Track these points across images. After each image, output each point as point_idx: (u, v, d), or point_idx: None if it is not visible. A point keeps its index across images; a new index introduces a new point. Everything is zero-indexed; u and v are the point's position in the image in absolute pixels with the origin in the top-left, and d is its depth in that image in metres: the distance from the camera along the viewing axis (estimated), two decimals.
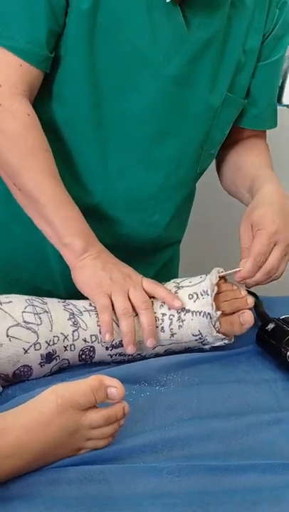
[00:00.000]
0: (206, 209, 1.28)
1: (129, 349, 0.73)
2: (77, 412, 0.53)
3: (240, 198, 0.93)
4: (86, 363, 0.75)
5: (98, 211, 0.88)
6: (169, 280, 0.81)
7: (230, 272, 0.79)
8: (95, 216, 0.84)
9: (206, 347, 0.78)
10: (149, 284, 0.75)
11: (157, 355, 0.77)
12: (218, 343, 0.78)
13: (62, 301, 0.76)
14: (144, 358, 0.77)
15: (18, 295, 0.74)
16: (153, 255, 0.98)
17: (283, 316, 0.82)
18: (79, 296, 0.77)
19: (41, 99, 0.81)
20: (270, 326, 0.79)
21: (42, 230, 0.79)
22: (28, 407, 0.54)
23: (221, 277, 0.79)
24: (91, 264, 0.75)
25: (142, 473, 0.51)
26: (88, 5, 0.74)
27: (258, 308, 0.86)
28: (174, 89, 0.81)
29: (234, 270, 0.78)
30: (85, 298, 0.76)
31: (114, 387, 0.55)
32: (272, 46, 0.87)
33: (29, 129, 0.77)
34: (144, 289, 0.75)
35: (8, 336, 0.70)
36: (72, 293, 0.79)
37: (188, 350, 0.78)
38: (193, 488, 0.50)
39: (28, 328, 0.71)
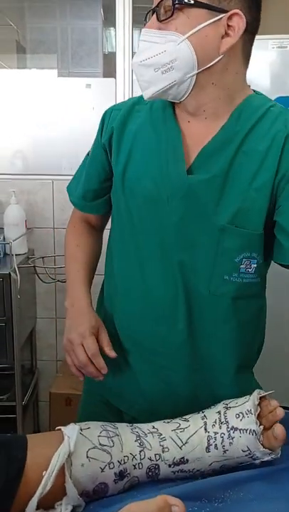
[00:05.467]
0: None
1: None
2: None
3: None
4: (153, 479, 0.88)
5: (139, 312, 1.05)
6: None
7: (268, 393, 0.92)
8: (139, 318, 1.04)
9: (257, 462, 0.90)
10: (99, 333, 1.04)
11: (214, 470, 0.89)
12: (266, 458, 0.89)
13: (130, 425, 0.91)
14: (203, 473, 0.89)
15: (94, 422, 0.90)
16: None
17: None
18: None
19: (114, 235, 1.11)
20: None
21: None
22: None
23: (262, 398, 0.92)
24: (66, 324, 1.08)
25: None
26: (121, 167, 1.03)
27: None
28: (177, 220, 0.95)
29: (270, 392, 0.91)
30: None
31: (176, 506, 0.67)
32: None
33: (76, 238, 1.19)
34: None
35: (88, 457, 0.84)
36: None
37: (241, 465, 0.89)
38: None
39: (103, 450, 0.86)
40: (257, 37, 0.93)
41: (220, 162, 0.92)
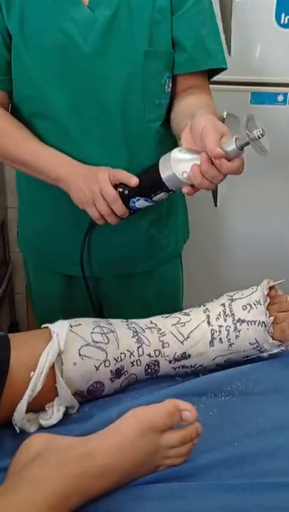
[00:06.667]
0: None
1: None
2: (156, 435, 0.58)
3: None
4: (152, 376, 0.81)
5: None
6: None
7: (278, 282, 0.83)
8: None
9: (264, 354, 0.83)
10: (113, 176, 0.89)
11: (218, 365, 0.82)
12: (275, 350, 0.82)
13: (126, 320, 0.82)
14: (205, 368, 0.82)
15: (86, 318, 0.80)
16: None
17: None
18: None
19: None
20: None
21: (42, 179, 0.97)
22: (112, 432, 0.59)
23: (271, 288, 0.83)
24: (74, 188, 0.93)
25: (218, 490, 0.56)
26: (16, 24, 0.96)
27: None
28: (97, 59, 0.96)
29: (281, 281, 0.82)
30: None
31: (188, 410, 0.59)
32: (181, 1, 1.00)
33: None
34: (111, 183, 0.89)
35: (80, 355, 0.76)
36: None
37: (247, 358, 0.82)
38: (266, 504, 0.55)
39: (97, 347, 0.77)
40: None
41: None
